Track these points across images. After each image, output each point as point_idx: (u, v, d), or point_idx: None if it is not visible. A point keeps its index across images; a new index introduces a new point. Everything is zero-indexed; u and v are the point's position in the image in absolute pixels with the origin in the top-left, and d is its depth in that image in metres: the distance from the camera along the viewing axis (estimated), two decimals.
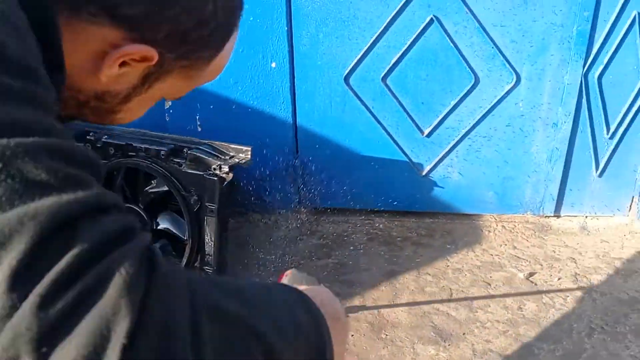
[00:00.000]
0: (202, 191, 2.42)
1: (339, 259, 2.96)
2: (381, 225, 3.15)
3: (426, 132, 2.87)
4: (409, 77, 2.74)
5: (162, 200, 2.53)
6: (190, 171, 2.44)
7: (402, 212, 3.18)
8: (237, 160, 2.44)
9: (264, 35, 2.69)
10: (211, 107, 2.91)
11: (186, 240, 2.48)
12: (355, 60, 2.72)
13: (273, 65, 2.77)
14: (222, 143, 2.51)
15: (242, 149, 2.48)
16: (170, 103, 2.92)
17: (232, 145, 2.50)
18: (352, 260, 2.94)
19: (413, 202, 3.11)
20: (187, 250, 2.48)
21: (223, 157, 2.46)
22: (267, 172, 3.07)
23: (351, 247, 3.02)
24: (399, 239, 3.07)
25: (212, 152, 2.48)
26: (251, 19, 2.65)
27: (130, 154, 2.53)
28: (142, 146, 2.50)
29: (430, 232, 3.10)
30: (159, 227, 2.52)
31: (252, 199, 3.16)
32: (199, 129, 2.97)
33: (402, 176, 3.01)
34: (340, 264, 2.92)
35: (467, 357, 2.39)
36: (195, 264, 2.52)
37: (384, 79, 2.75)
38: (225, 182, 2.41)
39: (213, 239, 2.45)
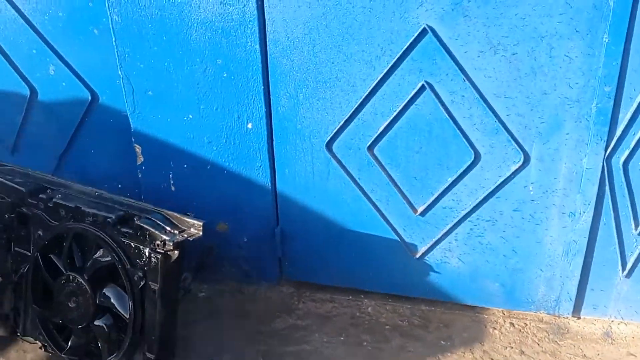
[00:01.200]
0: (147, 268, 2.15)
1: (315, 345, 2.59)
2: (369, 309, 2.77)
3: (420, 210, 2.49)
4: (399, 148, 2.38)
5: (110, 272, 2.27)
6: (134, 244, 2.18)
7: (395, 296, 2.79)
8: (185, 235, 2.16)
9: (239, 93, 2.42)
10: (185, 166, 2.66)
11: (129, 321, 2.21)
12: (338, 126, 2.40)
13: (249, 126, 2.49)
14: (175, 214, 2.24)
15: (194, 223, 2.20)
16: (142, 159, 2.69)
17: (186, 218, 2.22)
18: (328, 349, 2.57)
19: (406, 286, 2.71)
20: (129, 331, 2.20)
21: (172, 231, 2.18)
22: (245, 239, 2.77)
23: (331, 333, 2.65)
24: (387, 327, 2.67)
25: (161, 223, 2.21)
26: (225, 74, 2.39)
27: (79, 217, 2.30)
28: (91, 211, 2.27)
29: (424, 322, 2.68)
30: (101, 302, 2.26)
31: (229, 266, 2.87)
32: (172, 189, 2.72)
33: (393, 256, 2.63)
34: (314, 351, 2.55)
35: None
36: (136, 350, 2.24)
37: (370, 148, 2.41)
38: (170, 260, 2.12)
39: (157, 325, 2.16)
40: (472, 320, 2.67)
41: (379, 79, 2.26)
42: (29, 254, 2.46)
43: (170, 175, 2.70)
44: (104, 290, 2.27)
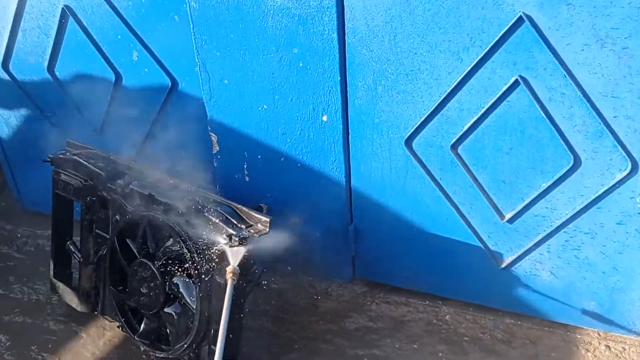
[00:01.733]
0: (214, 261, 2.11)
1: (385, 351, 2.46)
2: (448, 317, 2.58)
3: (508, 216, 2.26)
4: (487, 149, 2.16)
5: (180, 261, 2.26)
6: (203, 235, 2.14)
7: (477, 306, 2.58)
8: (252, 231, 2.09)
9: (315, 84, 2.30)
10: (259, 156, 2.59)
11: (195, 312, 2.19)
12: (419, 122, 2.21)
13: (324, 118, 2.37)
14: (244, 208, 2.18)
15: (261, 219, 2.12)
16: (217, 147, 2.66)
17: (254, 213, 2.16)
18: (400, 356, 2.43)
19: (489, 297, 2.50)
20: (195, 322, 2.19)
21: (239, 226, 2.12)
22: (318, 234, 2.67)
23: (404, 339, 2.50)
24: (466, 338, 2.48)
25: (230, 217, 2.16)
26: (300, 64, 2.27)
27: (153, 206, 2.31)
28: (163, 200, 2.27)
29: (508, 336, 2.46)
30: (171, 290, 2.25)
31: (302, 260, 2.79)
32: (247, 179, 2.67)
33: (476, 264, 2.42)
34: (385, 357, 2.42)
35: None
36: (204, 340, 2.22)
37: (454, 146, 2.20)
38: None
39: (221, 319, 2.12)
40: (562, 340, 2.41)
41: (466, 71, 2.04)
42: (108, 237, 2.51)
43: (245, 166, 2.65)
44: (173, 279, 2.27)
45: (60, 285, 2.80)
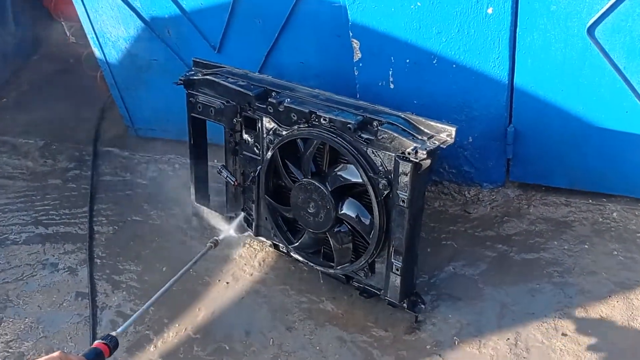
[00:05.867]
0: (393, 176, 2.02)
1: (554, 254, 2.39)
2: (615, 214, 2.47)
3: None
4: None
5: (355, 185, 2.17)
6: (380, 151, 2.03)
7: None
8: (437, 142, 1.97)
9: None
10: (407, 61, 2.41)
11: (371, 230, 2.13)
12: (607, 5, 1.99)
13: (489, 10, 2.16)
14: (420, 118, 2.04)
15: (444, 127, 1.99)
16: (360, 55, 2.49)
17: (433, 123, 2.02)
18: (571, 258, 2.36)
19: None
20: (374, 239, 2.13)
21: (420, 138, 1.99)
22: (470, 140, 2.54)
23: (571, 240, 2.42)
24: (639, 235, 2.38)
25: (407, 129, 2.03)
26: None
27: (314, 123, 2.19)
28: (327, 116, 2.14)
29: None
30: (341, 213, 2.19)
31: (448, 167, 2.68)
32: (391, 86, 2.52)
33: None
34: (555, 261, 2.36)
35: None
36: (382, 255, 2.18)
37: None
38: (421, 169, 1.97)
39: (404, 233, 2.06)
40: None
41: None
42: (258, 158, 2.44)
43: (390, 72, 2.48)
44: (344, 202, 2.19)
45: (205, 210, 2.78)
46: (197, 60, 2.63)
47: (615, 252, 2.34)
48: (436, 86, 2.43)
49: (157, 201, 3.09)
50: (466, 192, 2.70)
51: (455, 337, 2.15)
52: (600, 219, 2.48)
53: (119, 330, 1.88)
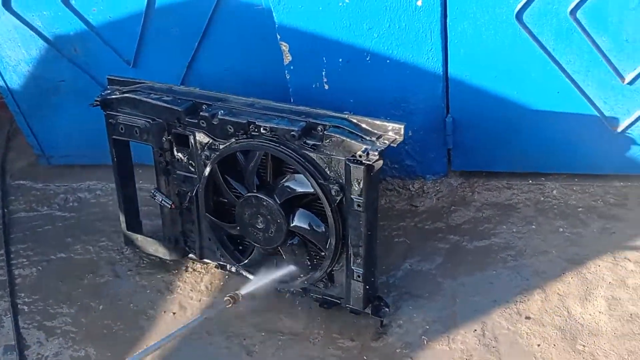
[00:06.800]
0: (345, 181, 1.93)
1: (504, 238, 2.41)
2: (555, 192, 2.53)
3: (628, 78, 2.15)
4: (611, 8, 1.99)
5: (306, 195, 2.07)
6: (328, 156, 1.94)
7: (581, 176, 2.53)
8: (386, 142, 1.91)
9: None
10: (340, 60, 2.34)
11: (326, 241, 2.04)
12: None
13: (419, 3, 2.12)
14: (365, 118, 1.97)
15: (391, 125, 1.93)
16: (290, 57, 2.38)
17: (378, 122, 1.96)
18: (522, 240, 2.39)
19: (597, 164, 2.44)
20: (330, 248, 2.04)
21: (369, 138, 1.93)
22: (410, 134, 2.51)
23: (518, 223, 2.45)
24: (580, 209, 2.45)
25: (354, 130, 1.95)
26: None
27: (253, 133, 2.07)
28: (267, 125, 2.02)
29: (621, 200, 2.44)
30: (293, 225, 2.08)
31: (390, 163, 2.64)
32: (326, 87, 2.44)
33: (587, 133, 2.34)
34: (507, 245, 2.38)
35: None
36: (340, 263, 2.09)
37: (573, 12, 2.03)
38: (374, 171, 1.90)
39: (362, 238, 1.98)
40: None
41: None
42: (194, 176, 2.28)
43: (324, 73, 2.40)
44: (295, 213, 2.08)
45: (139, 237, 2.57)
46: (112, 77, 2.43)
47: (562, 229, 2.39)
48: (372, 83, 2.38)
49: (82, 233, 2.83)
50: (410, 186, 2.68)
51: (423, 337, 2.11)
52: (542, 198, 2.53)
53: None
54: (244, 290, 2.14)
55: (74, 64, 2.73)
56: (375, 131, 1.95)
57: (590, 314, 2.08)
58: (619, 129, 2.30)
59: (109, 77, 2.43)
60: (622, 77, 2.16)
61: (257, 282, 2.20)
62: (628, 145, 2.34)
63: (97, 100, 2.38)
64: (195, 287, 2.48)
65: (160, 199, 2.34)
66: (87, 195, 3.06)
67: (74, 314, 2.45)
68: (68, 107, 2.90)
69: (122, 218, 2.57)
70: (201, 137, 2.18)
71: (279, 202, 2.05)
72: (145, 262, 2.62)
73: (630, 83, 2.17)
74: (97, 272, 2.63)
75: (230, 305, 2.08)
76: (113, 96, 2.34)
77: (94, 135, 2.91)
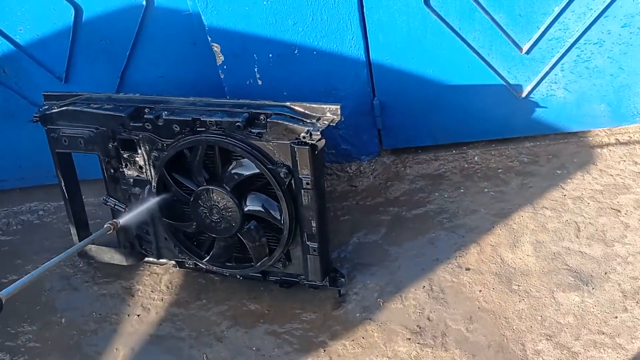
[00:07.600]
0: (292, 163, 2.09)
1: (438, 204, 2.65)
2: (476, 158, 2.81)
3: (525, 47, 2.44)
4: None
5: (247, 178, 2.20)
6: (273, 142, 2.10)
7: (498, 140, 2.82)
8: (326, 122, 2.09)
9: None
10: (270, 55, 2.50)
11: (281, 219, 2.19)
12: None
13: None
14: (304, 103, 2.14)
15: (327, 107, 2.11)
16: (222, 57, 2.52)
17: (315, 105, 2.13)
18: (453, 203, 2.63)
19: (509, 128, 2.73)
20: (285, 227, 2.19)
21: (309, 121, 2.10)
22: (342, 119, 2.68)
23: (449, 189, 2.70)
24: (500, 170, 2.73)
25: (295, 115, 2.12)
26: None
27: (199, 129, 2.18)
28: (212, 119, 2.15)
29: (533, 157, 2.75)
30: (247, 209, 2.21)
31: (327, 149, 2.82)
32: (259, 82, 2.58)
33: (497, 101, 2.62)
34: (441, 210, 2.61)
35: (618, 300, 2.14)
36: (296, 241, 2.24)
37: None
38: (318, 150, 2.07)
39: (315, 214, 2.14)
40: (578, 146, 2.74)
41: None
42: (144, 178, 2.36)
43: (256, 69, 2.55)
44: (247, 197, 2.21)
45: (92, 247, 2.61)
46: (48, 93, 2.47)
47: (486, 190, 2.66)
48: (302, 75, 2.55)
49: (31, 254, 2.82)
50: (348, 169, 2.87)
51: (379, 299, 2.30)
52: (466, 165, 2.79)
53: (4, 291, 1.79)
54: (122, 219, 2.29)
55: (4, 86, 2.73)
56: (314, 114, 2.12)
57: (520, 258, 2.34)
58: (523, 95, 2.59)
59: (45, 93, 2.47)
60: (519, 48, 2.46)
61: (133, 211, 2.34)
62: (532, 109, 2.64)
63: (36, 116, 2.42)
64: (156, 288, 2.55)
65: (113, 204, 2.40)
66: (30, 217, 3.04)
67: (37, 331, 2.46)
68: (1, 130, 2.88)
69: (73, 231, 2.60)
70: (147, 140, 2.27)
71: (228, 189, 2.18)
72: (100, 272, 2.66)
73: (527, 52, 2.46)
74: (54, 288, 2.64)
75: (110, 232, 2.23)
76: (52, 110, 2.38)
77: (30, 157, 2.93)
